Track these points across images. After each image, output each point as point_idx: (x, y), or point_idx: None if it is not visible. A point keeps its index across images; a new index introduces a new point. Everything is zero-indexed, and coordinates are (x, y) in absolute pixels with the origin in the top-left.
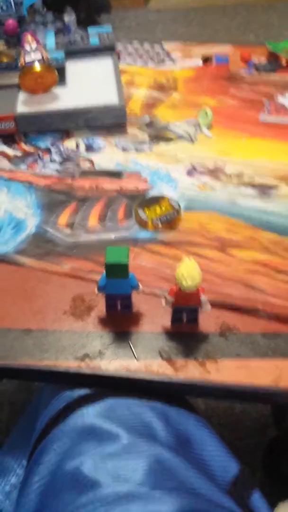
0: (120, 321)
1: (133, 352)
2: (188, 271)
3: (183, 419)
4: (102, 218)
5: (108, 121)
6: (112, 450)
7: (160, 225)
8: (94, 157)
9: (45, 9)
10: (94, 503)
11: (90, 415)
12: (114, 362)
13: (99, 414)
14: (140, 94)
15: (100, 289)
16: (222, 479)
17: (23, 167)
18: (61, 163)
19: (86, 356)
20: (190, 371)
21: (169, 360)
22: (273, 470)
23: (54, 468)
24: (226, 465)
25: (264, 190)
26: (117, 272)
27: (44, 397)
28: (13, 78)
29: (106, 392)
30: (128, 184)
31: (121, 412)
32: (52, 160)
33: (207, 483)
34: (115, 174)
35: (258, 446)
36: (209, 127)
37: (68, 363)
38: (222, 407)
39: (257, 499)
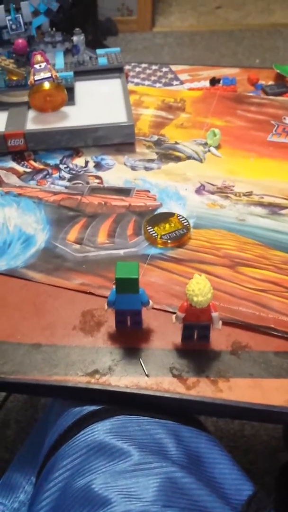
0: (130, 337)
1: (143, 368)
2: (200, 287)
3: (194, 438)
4: (111, 234)
5: (117, 140)
6: (123, 468)
7: (169, 242)
8: (103, 174)
9: (54, 29)
10: None
11: (100, 431)
12: (124, 379)
13: (110, 431)
14: (148, 114)
15: (110, 304)
16: (235, 500)
17: (32, 183)
18: (70, 180)
19: (96, 372)
20: (202, 389)
21: (180, 377)
22: (286, 496)
23: (63, 485)
24: (239, 485)
25: (274, 209)
26: (127, 287)
27: (53, 413)
28: (23, 96)
29: (116, 409)
30: (137, 201)
31: (132, 429)
32: (61, 177)
33: (220, 503)
34: (124, 192)
35: (269, 470)
36: (218, 147)
37: (78, 379)
38: (232, 429)
39: None
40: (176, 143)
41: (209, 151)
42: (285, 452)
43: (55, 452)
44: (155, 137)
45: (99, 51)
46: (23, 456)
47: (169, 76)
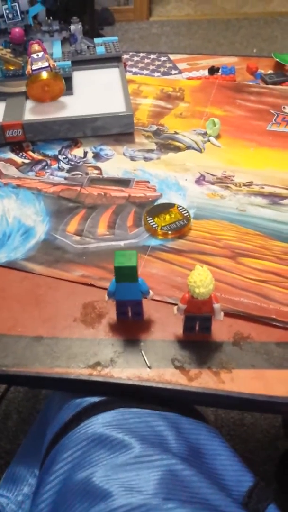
0: (132, 328)
1: (145, 360)
2: (201, 278)
3: (194, 430)
4: (111, 225)
5: (115, 130)
6: (124, 460)
7: (169, 233)
8: (102, 165)
9: (51, 18)
10: None
11: (100, 424)
12: (126, 371)
13: (110, 423)
14: (147, 103)
15: (110, 295)
16: (237, 491)
17: (31, 174)
18: (69, 171)
19: (97, 364)
20: (204, 381)
21: (182, 369)
22: (287, 483)
23: (64, 478)
24: (240, 476)
25: (274, 199)
26: (126, 275)
27: (54, 405)
28: (20, 86)
29: (116, 401)
30: (137, 192)
31: (133, 421)
32: (60, 168)
33: (221, 495)
34: (124, 182)
35: (269, 458)
36: (217, 136)
37: (80, 371)
38: (232, 418)
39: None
40: (176, 133)
41: (208, 141)
42: (285, 440)
43: (56, 445)
44: (154, 127)
45: (97, 40)
46: (25, 449)
47: (168, 65)
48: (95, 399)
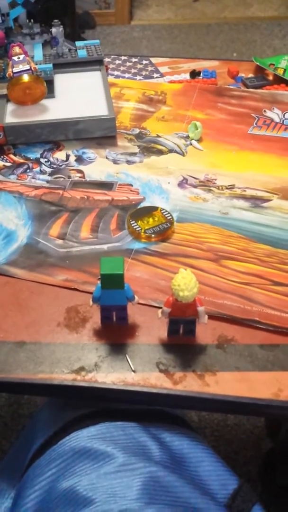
0: (116, 333)
1: (130, 364)
2: (185, 282)
3: (177, 441)
4: (94, 229)
5: (98, 133)
6: (107, 470)
7: (153, 236)
8: (85, 168)
9: (32, 21)
10: None
11: (85, 437)
12: (111, 375)
13: (95, 436)
14: (129, 107)
15: (95, 300)
16: (221, 494)
17: (12, 177)
18: (51, 174)
19: (81, 369)
20: (189, 384)
21: (167, 372)
22: (270, 483)
23: (48, 488)
24: (224, 480)
25: (256, 202)
26: (112, 282)
27: (40, 422)
28: (1, 89)
29: (101, 415)
30: (120, 195)
31: (116, 434)
32: (42, 171)
33: (203, 498)
34: (106, 185)
35: (253, 458)
36: (199, 140)
37: (64, 376)
38: (216, 419)
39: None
40: (158, 136)
41: (190, 144)
42: (268, 440)
43: (40, 456)
44: (137, 130)
45: (78, 43)
46: (8, 464)
47: (150, 68)
48: (79, 413)
